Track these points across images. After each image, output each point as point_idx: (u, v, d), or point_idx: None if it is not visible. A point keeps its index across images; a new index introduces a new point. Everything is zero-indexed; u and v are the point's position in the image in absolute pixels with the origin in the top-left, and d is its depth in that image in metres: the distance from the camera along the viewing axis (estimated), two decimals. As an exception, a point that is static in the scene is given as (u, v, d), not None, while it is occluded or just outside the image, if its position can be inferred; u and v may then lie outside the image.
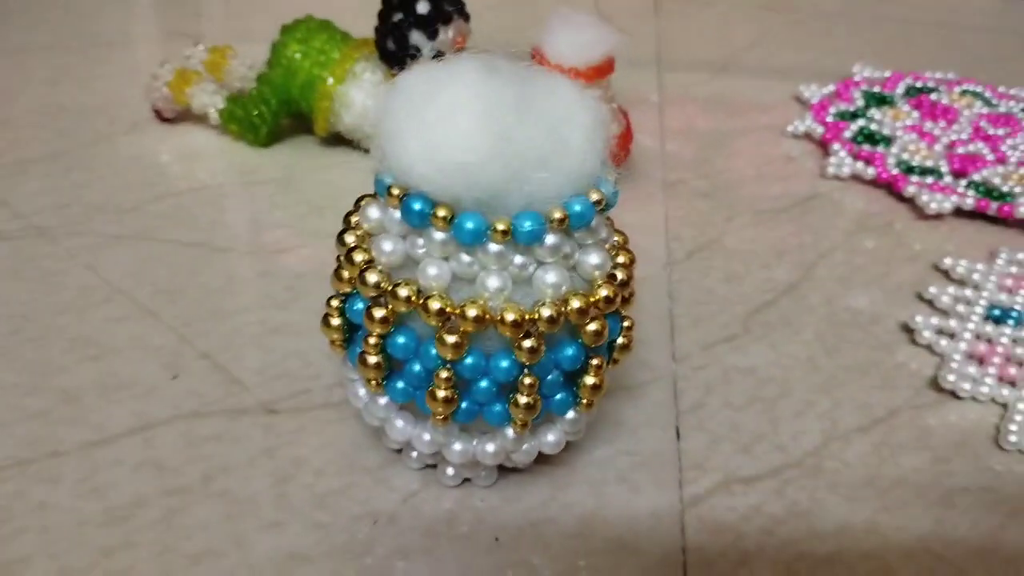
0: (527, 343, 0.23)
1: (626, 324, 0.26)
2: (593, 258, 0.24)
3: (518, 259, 0.23)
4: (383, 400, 0.25)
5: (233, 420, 0.30)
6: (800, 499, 0.28)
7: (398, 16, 0.42)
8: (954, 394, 0.33)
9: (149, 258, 0.38)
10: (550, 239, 0.23)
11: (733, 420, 0.31)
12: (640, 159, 0.48)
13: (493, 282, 0.22)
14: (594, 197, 0.23)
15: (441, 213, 0.22)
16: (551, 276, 0.23)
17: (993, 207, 0.44)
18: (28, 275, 0.36)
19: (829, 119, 0.53)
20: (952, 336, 0.36)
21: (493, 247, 0.22)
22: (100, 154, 0.45)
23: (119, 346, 0.33)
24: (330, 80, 0.44)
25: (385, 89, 0.24)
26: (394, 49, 0.42)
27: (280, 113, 0.46)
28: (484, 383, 0.24)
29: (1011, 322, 0.36)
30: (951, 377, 0.33)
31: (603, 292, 0.23)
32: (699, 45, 0.65)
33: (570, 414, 0.26)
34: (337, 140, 0.47)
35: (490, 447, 0.25)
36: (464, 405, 0.24)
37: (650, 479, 0.29)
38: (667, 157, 0.49)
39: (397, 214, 0.23)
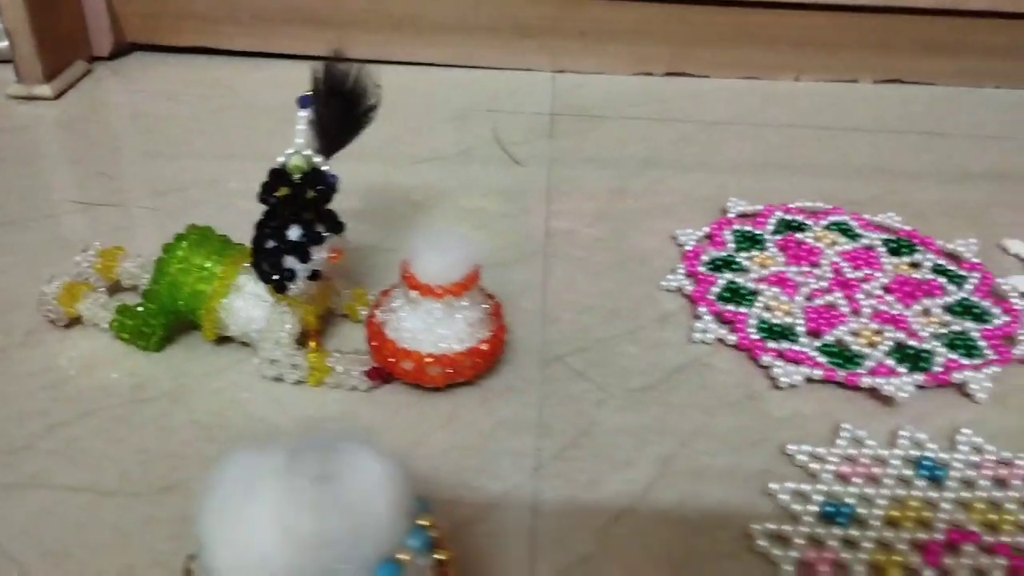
0: None
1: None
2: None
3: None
4: None
5: None
6: None
7: (271, 243, 0.44)
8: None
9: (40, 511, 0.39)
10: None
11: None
12: (522, 334, 0.51)
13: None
14: (403, 558, 0.26)
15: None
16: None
17: (840, 375, 0.48)
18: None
19: (701, 268, 0.57)
20: (786, 542, 0.39)
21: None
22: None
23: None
24: (213, 293, 0.46)
25: (204, 487, 0.26)
26: (270, 272, 0.44)
27: (168, 322, 0.48)
28: None
29: (842, 520, 0.40)
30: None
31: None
32: (588, 175, 0.68)
33: None
34: (228, 339, 0.49)
35: None
36: None
37: None
38: (548, 329, 0.52)
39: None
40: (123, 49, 0.86)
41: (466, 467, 0.43)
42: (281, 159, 0.44)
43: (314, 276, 0.45)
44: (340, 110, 0.45)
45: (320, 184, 0.44)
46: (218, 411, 0.45)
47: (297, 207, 0.43)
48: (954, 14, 0.81)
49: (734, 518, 0.41)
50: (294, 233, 0.44)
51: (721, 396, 0.48)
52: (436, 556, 0.29)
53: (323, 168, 0.45)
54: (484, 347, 0.45)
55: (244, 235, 0.46)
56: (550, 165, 0.70)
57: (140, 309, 0.48)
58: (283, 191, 0.44)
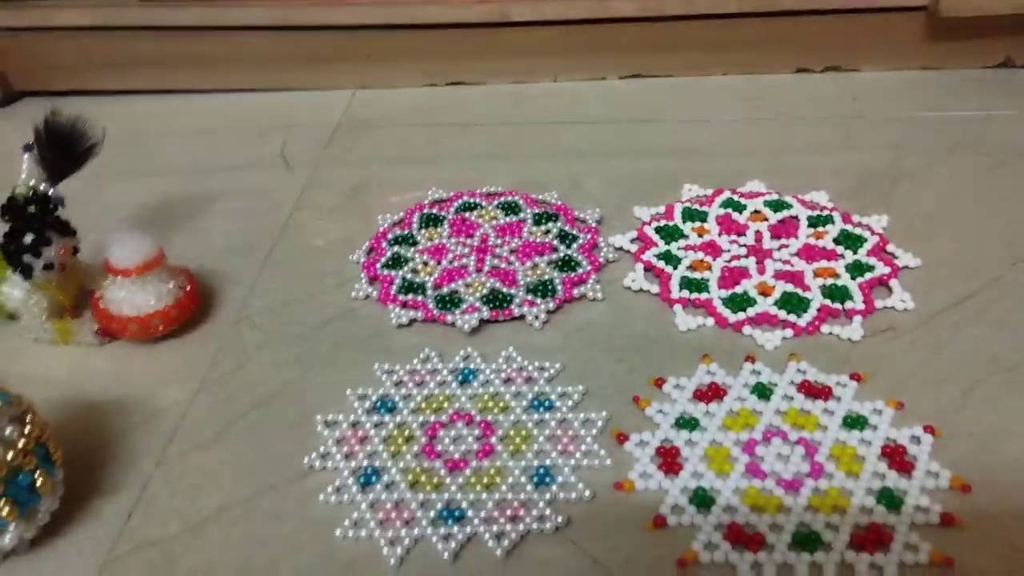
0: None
1: (39, 478, 0.48)
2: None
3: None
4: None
5: None
6: None
7: (11, 246, 0.63)
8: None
9: None
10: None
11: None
12: (229, 299, 0.70)
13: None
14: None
15: None
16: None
17: (436, 315, 0.66)
18: None
19: (384, 243, 0.75)
20: (335, 424, 0.58)
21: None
22: None
23: None
24: (-8, 282, 0.66)
25: None
26: (15, 265, 0.64)
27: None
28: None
29: (381, 410, 0.58)
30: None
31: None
32: (339, 176, 0.87)
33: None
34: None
35: None
36: None
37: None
38: (251, 295, 0.71)
39: None
40: (12, 97, 1.07)
41: (150, 390, 0.62)
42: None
43: (48, 267, 0.64)
44: (59, 150, 0.64)
45: (43, 203, 0.64)
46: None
47: (26, 220, 0.63)
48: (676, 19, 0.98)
49: (312, 414, 0.59)
50: (27, 238, 0.63)
51: (353, 335, 0.66)
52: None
53: (49, 192, 0.64)
54: (170, 311, 0.65)
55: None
56: (313, 169, 0.89)
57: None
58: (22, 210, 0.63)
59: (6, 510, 0.47)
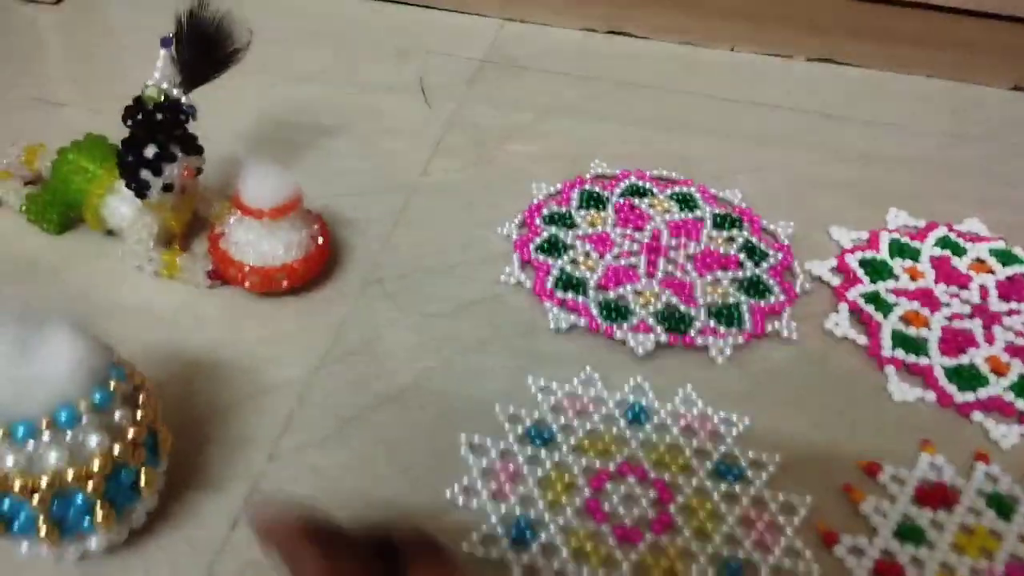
0: (36, 497, 0.36)
1: (144, 475, 0.39)
2: (91, 440, 0.37)
3: (30, 446, 0.36)
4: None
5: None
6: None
7: (130, 158, 0.53)
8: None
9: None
10: (46, 435, 0.36)
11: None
12: (359, 256, 0.60)
13: (8, 461, 0.36)
14: (81, 406, 0.36)
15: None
16: (52, 455, 0.36)
17: (602, 326, 0.56)
18: None
19: (537, 221, 0.64)
20: (483, 450, 0.48)
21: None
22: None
23: None
24: (94, 191, 0.57)
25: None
26: (129, 180, 0.54)
27: (63, 211, 0.59)
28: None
29: (538, 441, 0.49)
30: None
31: (96, 464, 0.37)
32: (486, 122, 0.75)
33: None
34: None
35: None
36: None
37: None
38: (383, 255, 0.61)
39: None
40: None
41: (262, 357, 0.53)
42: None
43: (167, 188, 0.54)
44: (200, 52, 0.54)
45: (174, 113, 0.53)
46: (85, 288, 0.56)
47: (151, 130, 0.53)
48: (883, 2, 0.84)
49: (457, 428, 0.50)
50: (149, 151, 0.53)
51: (499, 329, 0.56)
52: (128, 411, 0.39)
53: (181, 99, 0.54)
54: (297, 265, 0.55)
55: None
56: (456, 108, 0.77)
57: (42, 196, 0.58)
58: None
59: (102, 514, 0.38)
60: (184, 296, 0.57)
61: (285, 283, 0.55)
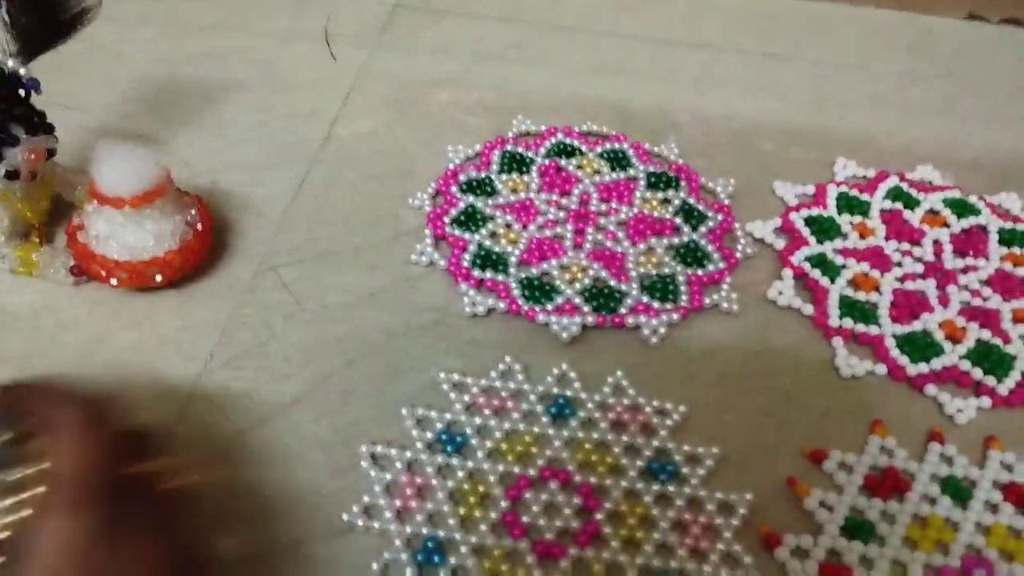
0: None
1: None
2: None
3: None
4: None
5: None
6: None
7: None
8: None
9: None
10: None
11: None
12: (251, 241, 0.53)
13: None
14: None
15: None
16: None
17: (524, 309, 0.50)
18: None
19: (453, 188, 0.58)
20: (387, 460, 0.43)
21: None
22: None
23: None
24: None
25: None
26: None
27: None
28: None
29: (450, 448, 0.43)
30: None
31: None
32: (399, 76, 0.68)
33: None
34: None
35: None
36: None
37: None
38: (278, 238, 0.54)
39: None
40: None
41: (140, 362, 0.47)
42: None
43: (11, 176, 0.47)
44: (38, 13, 0.46)
45: (11, 88, 0.46)
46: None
47: (-17, 110, 0.45)
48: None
49: (358, 438, 0.44)
50: (-13, 133, 0.46)
51: (409, 318, 0.50)
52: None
53: (19, 71, 0.46)
54: (172, 258, 0.48)
55: None
56: (365, 62, 0.70)
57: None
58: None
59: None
60: (46, 296, 0.50)
61: (159, 278, 0.48)
